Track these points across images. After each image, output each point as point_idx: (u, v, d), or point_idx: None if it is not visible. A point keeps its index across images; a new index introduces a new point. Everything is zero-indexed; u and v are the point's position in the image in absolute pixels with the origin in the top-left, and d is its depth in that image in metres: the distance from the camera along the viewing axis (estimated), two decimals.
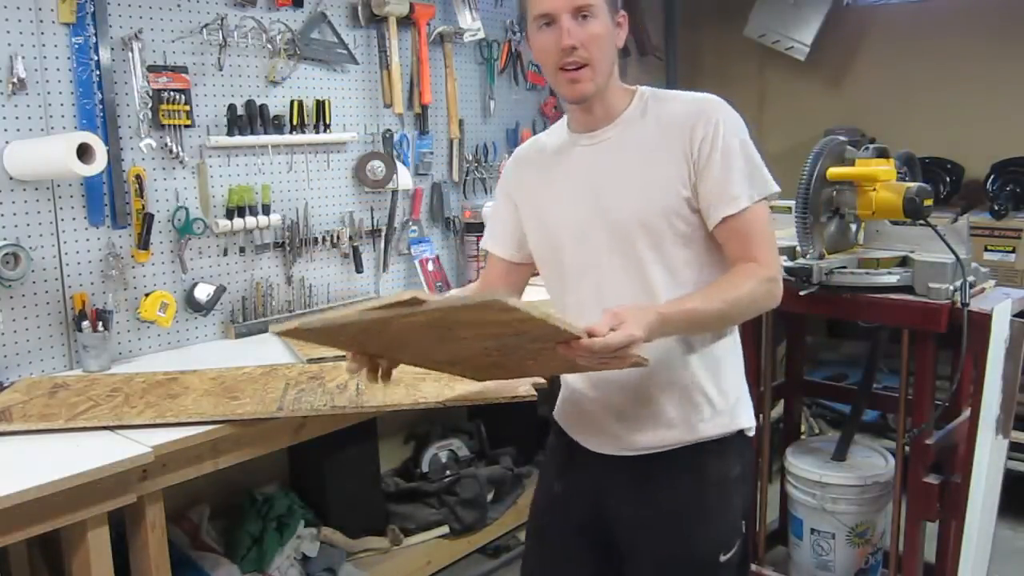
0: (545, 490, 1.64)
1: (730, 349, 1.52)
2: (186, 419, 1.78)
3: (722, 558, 1.48)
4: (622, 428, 1.49)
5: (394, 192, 2.95)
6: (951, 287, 1.99)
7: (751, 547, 1.52)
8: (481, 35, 3.15)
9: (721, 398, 1.48)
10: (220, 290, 2.48)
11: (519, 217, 1.58)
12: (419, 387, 2.00)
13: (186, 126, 2.37)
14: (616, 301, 1.35)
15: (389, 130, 2.94)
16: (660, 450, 1.47)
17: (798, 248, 2.18)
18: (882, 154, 2.12)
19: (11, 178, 2.06)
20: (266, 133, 2.57)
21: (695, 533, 1.49)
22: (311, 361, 2.20)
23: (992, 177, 3.25)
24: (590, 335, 1.19)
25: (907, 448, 2.14)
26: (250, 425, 1.82)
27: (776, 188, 1.43)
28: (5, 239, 2.05)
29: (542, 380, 1.99)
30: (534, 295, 1.62)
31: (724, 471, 1.50)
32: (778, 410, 2.79)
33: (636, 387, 1.46)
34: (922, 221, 2.01)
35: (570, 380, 1.57)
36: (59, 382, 2.05)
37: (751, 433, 1.54)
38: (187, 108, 2.35)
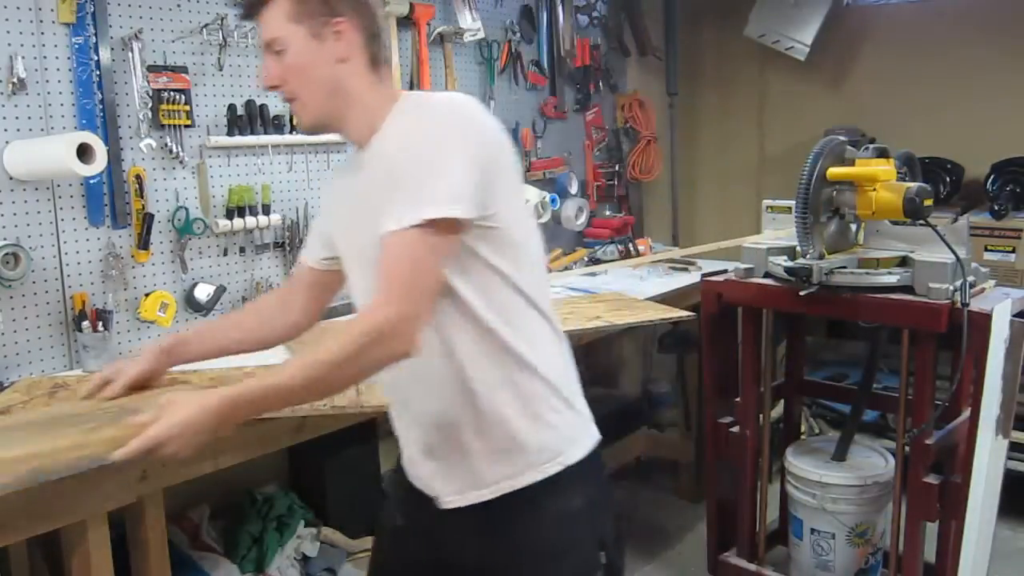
0: (388, 519, 1.54)
1: (524, 390, 1.31)
2: None
3: None
4: (433, 477, 1.38)
5: None
6: (951, 287, 1.99)
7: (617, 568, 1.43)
8: (481, 35, 3.15)
9: (523, 444, 1.31)
10: (220, 290, 2.48)
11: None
12: None
13: (186, 126, 2.37)
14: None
15: None
16: (476, 502, 1.33)
17: (798, 248, 2.18)
18: (882, 154, 2.12)
19: (11, 178, 2.06)
20: (266, 133, 2.57)
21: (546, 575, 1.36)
22: None
23: (992, 177, 3.25)
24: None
25: (907, 448, 2.14)
26: (250, 425, 1.82)
27: (439, 212, 1.17)
28: (5, 239, 2.05)
29: None
30: None
31: (561, 512, 1.33)
32: (778, 410, 2.79)
33: (430, 440, 1.36)
34: (922, 221, 2.01)
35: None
36: (59, 382, 2.05)
37: (579, 458, 1.34)
38: (187, 108, 2.35)
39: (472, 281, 1.27)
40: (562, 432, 1.34)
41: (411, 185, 1.20)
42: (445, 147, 1.22)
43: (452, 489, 1.35)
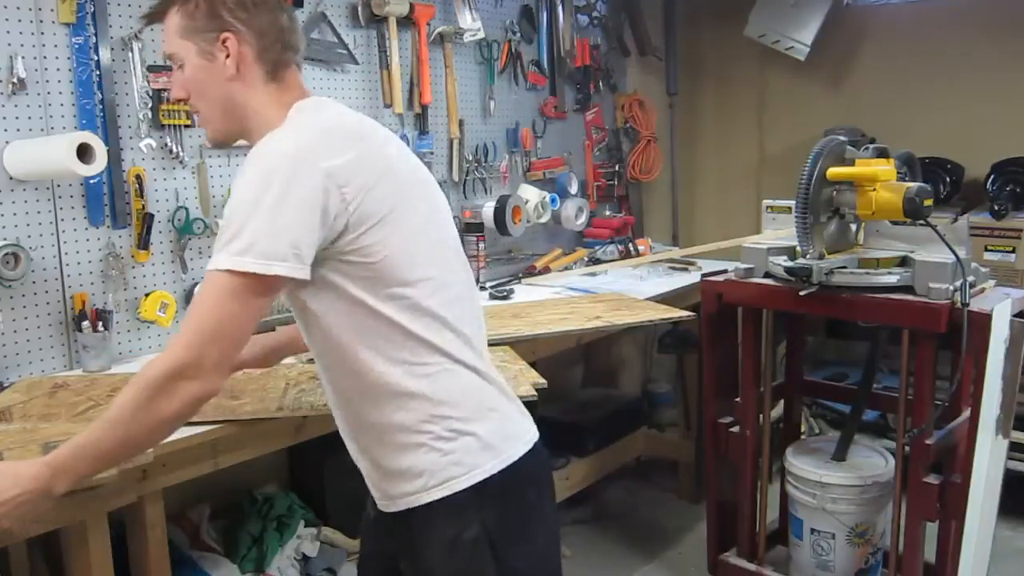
0: (367, 508, 1.53)
1: (405, 418, 1.28)
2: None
3: None
4: (366, 479, 1.41)
5: None
6: (951, 287, 1.99)
7: None
8: (481, 35, 3.15)
9: (408, 468, 1.30)
10: None
11: None
12: None
13: (186, 126, 2.37)
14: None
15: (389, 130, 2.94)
16: (400, 515, 1.34)
17: (798, 248, 2.18)
18: (882, 154, 2.12)
19: (11, 178, 2.06)
20: None
21: None
22: (310, 361, 2.19)
23: (992, 177, 3.25)
24: None
25: (907, 448, 2.14)
26: (250, 425, 1.82)
27: (243, 267, 1.13)
28: (5, 239, 2.05)
29: (542, 380, 2.00)
30: None
31: (450, 537, 1.30)
32: (778, 410, 2.79)
33: (350, 448, 1.40)
34: (922, 221, 2.01)
35: None
36: (59, 382, 2.05)
37: (470, 484, 1.29)
38: (187, 108, 2.35)
39: (330, 314, 1.25)
40: (452, 457, 1.29)
41: (225, 229, 1.18)
42: (262, 195, 1.16)
43: (377, 495, 1.40)
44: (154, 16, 1.37)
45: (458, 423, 1.30)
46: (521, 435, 1.38)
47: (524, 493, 1.35)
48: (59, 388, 2.00)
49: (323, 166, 1.18)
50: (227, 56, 1.30)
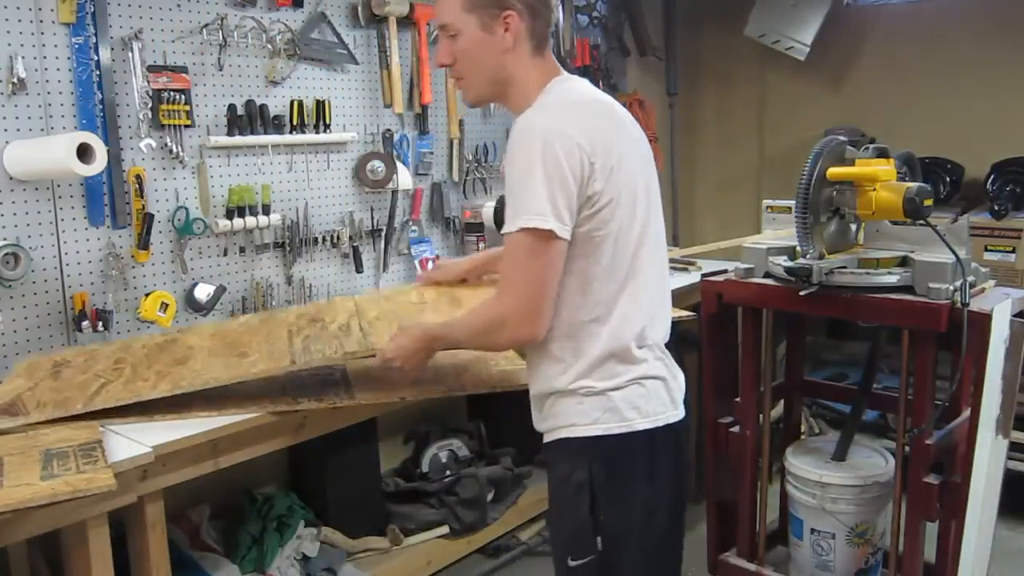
0: None
1: (559, 359, 1.49)
2: (202, 386, 1.80)
3: (571, 562, 1.50)
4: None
5: (394, 192, 2.95)
6: (951, 287, 1.99)
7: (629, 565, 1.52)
8: None
9: (550, 403, 1.52)
10: (220, 290, 2.48)
11: None
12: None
13: (186, 126, 2.37)
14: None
15: (389, 130, 2.94)
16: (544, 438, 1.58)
17: (798, 248, 2.18)
18: (882, 154, 2.12)
19: (11, 178, 2.06)
20: (266, 133, 2.57)
21: (550, 528, 1.67)
22: None
23: (992, 177, 3.25)
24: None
25: (907, 448, 2.14)
26: (250, 425, 1.82)
27: (534, 226, 1.37)
28: (5, 239, 2.05)
29: None
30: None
31: (565, 473, 1.50)
32: (778, 410, 2.79)
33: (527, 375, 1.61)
34: (922, 221, 2.01)
35: None
36: (58, 359, 2.02)
37: (590, 434, 1.48)
38: (187, 108, 2.35)
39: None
40: (582, 408, 1.48)
41: (512, 198, 1.42)
42: (532, 168, 1.38)
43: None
44: None
45: (601, 381, 1.49)
46: (651, 411, 1.50)
47: (634, 461, 1.49)
48: (60, 367, 1.97)
49: (578, 139, 1.39)
50: (506, 30, 1.47)
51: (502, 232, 1.43)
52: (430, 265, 3.06)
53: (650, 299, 1.52)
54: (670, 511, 1.56)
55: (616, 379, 1.47)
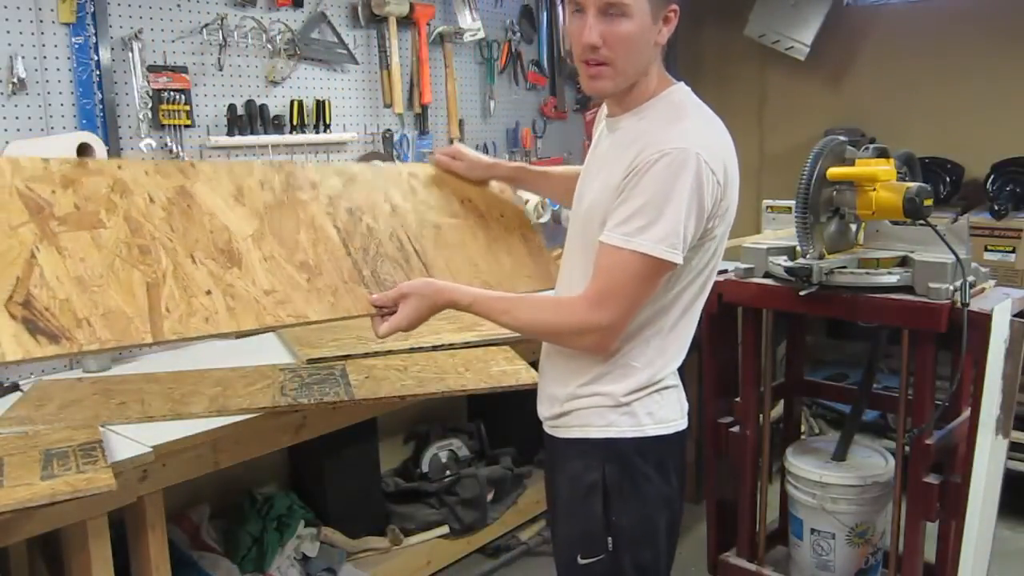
0: None
1: (589, 355, 1.45)
2: (294, 322, 1.49)
3: (580, 560, 1.49)
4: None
5: None
6: (951, 287, 1.99)
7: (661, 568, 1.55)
8: (481, 35, 3.15)
9: (569, 402, 1.49)
10: None
11: None
12: (421, 376, 2.02)
13: (186, 126, 2.37)
14: (565, 278, 1.54)
15: (389, 130, 2.94)
16: (550, 433, 1.56)
17: (798, 248, 2.18)
18: (882, 154, 2.12)
19: None
20: (266, 133, 2.57)
21: (558, 525, 1.59)
22: (310, 362, 2.20)
23: (992, 177, 3.25)
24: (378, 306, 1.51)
25: (907, 448, 2.14)
26: (250, 425, 1.82)
27: (660, 256, 1.32)
28: None
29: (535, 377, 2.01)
30: None
31: (578, 472, 1.49)
32: (778, 410, 2.79)
33: (543, 364, 1.58)
34: (922, 221, 2.01)
35: None
36: (71, 384, 2.03)
37: (602, 436, 1.47)
38: (187, 108, 2.35)
39: None
40: (599, 410, 1.47)
41: (646, 216, 1.32)
42: (680, 191, 1.32)
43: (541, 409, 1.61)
44: None
45: (626, 394, 1.47)
46: (664, 418, 1.49)
47: (646, 465, 1.48)
48: (74, 391, 1.97)
49: (718, 175, 1.35)
50: (665, 24, 1.40)
51: (615, 239, 1.34)
52: None
53: (695, 320, 1.54)
54: (674, 514, 1.58)
55: (648, 385, 1.48)
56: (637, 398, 1.47)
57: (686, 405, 1.57)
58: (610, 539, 1.47)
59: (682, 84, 1.48)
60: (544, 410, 1.57)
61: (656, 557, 1.53)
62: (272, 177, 1.62)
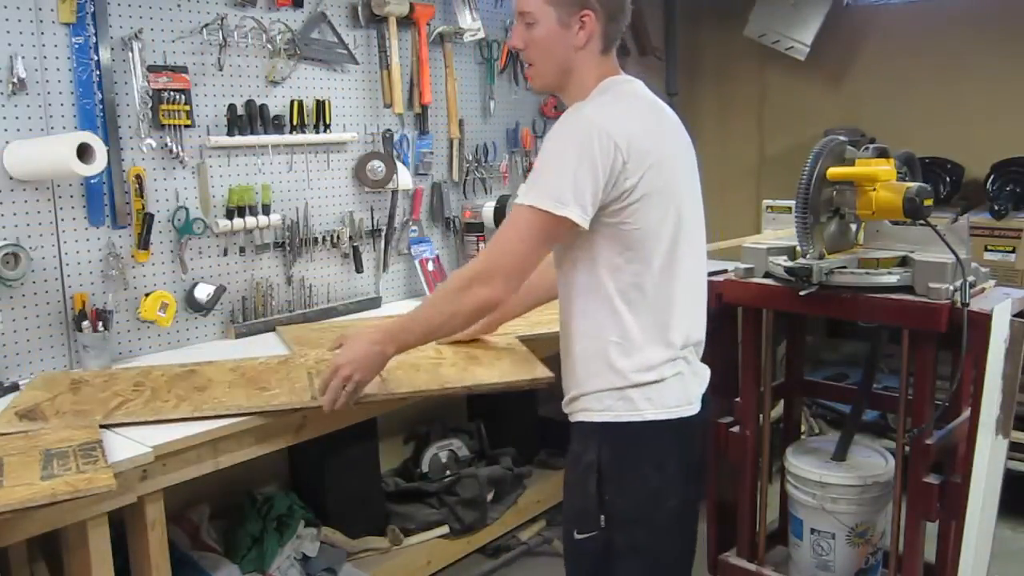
0: None
1: (594, 341, 1.55)
2: (224, 411, 1.80)
3: (576, 535, 1.58)
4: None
5: (394, 192, 2.95)
6: (951, 287, 1.99)
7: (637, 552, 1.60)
8: (481, 35, 3.15)
9: (576, 389, 1.60)
10: (220, 290, 2.48)
11: None
12: (440, 371, 2.02)
13: (186, 126, 2.37)
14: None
15: (389, 130, 2.94)
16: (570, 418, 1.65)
17: (798, 248, 2.18)
18: (882, 154, 2.12)
19: (11, 178, 2.06)
20: (266, 133, 2.57)
21: (564, 501, 1.67)
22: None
23: (992, 177, 3.25)
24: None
25: (907, 448, 2.14)
26: (250, 424, 1.82)
27: (545, 208, 1.44)
28: (5, 239, 2.05)
29: (551, 374, 2.01)
30: None
31: (578, 452, 1.59)
32: (778, 410, 2.79)
33: (561, 361, 1.67)
34: (922, 221, 2.01)
35: None
36: (76, 378, 2.04)
37: (602, 420, 1.56)
38: (187, 108, 2.35)
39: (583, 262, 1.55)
40: (598, 395, 1.56)
41: (535, 173, 1.49)
42: (567, 152, 1.45)
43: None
44: None
45: (628, 378, 1.55)
46: (664, 404, 1.55)
47: (641, 449, 1.55)
48: (79, 384, 1.99)
49: (616, 138, 1.44)
50: (580, 28, 1.53)
51: (515, 202, 1.50)
52: (430, 266, 3.07)
53: (683, 298, 1.58)
54: (682, 500, 1.61)
55: (635, 375, 1.53)
56: (636, 383, 1.53)
57: (697, 391, 1.61)
58: (602, 517, 1.54)
59: (622, 76, 1.61)
60: (564, 402, 1.66)
61: (655, 540, 1.58)
62: (274, 360, 2.12)
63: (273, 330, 2.59)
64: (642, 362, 1.53)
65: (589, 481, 1.54)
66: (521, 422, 3.18)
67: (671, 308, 1.56)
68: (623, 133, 1.45)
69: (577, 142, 1.44)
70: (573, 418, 1.62)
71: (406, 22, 2.93)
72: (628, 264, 1.51)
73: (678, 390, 1.56)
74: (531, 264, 1.50)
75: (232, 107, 2.49)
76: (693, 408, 1.59)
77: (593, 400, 1.56)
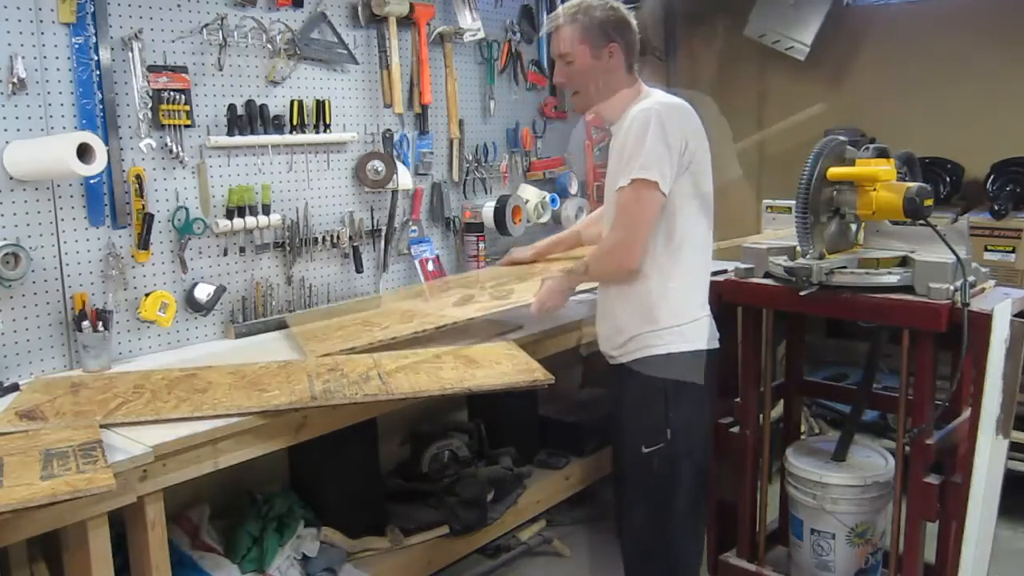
0: None
1: (647, 293, 2.00)
2: (224, 411, 1.81)
3: (644, 450, 2.01)
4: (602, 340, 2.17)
5: (394, 192, 2.95)
6: (951, 287, 1.99)
7: (693, 464, 2.06)
8: (481, 35, 3.15)
9: (629, 332, 2.03)
10: (220, 290, 2.48)
11: None
12: (440, 374, 2.03)
13: (186, 126, 2.37)
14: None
15: (389, 130, 2.94)
16: (614, 362, 2.11)
17: (798, 248, 2.18)
18: (882, 154, 2.12)
19: (11, 178, 2.06)
20: (266, 133, 2.57)
21: (623, 426, 2.10)
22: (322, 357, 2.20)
23: (992, 177, 3.25)
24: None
25: (907, 448, 2.14)
26: (250, 425, 1.82)
27: (643, 176, 1.88)
28: (5, 239, 2.05)
29: (551, 377, 2.02)
30: None
31: (644, 382, 2.02)
32: (778, 410, 2.79)
33: (602, 311, 2.14)
34: (922, 221, 2.01)
35: None
36: (75, 380, 2.04)
37: (662, 352, 2.00)
38: (187, 108, 2.35)
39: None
40: (658, 333, 2.01)
41: (631, 157, 1.92)
42: (651, 137, 1.90)
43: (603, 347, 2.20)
44: (559, 27, 2.05)
45: (666, 316, 2.02)
46: (698, 339, 2.04)
47: (694, 373, 2.02)
48: (78, 386, 1.99)
49: (681, 125, 1.95)
50: (610, 57, 2.03)
51: (617, 187, 1.93)
52: (430, 266, 3.07)
53: (707, 260, 2.10)
54: (710, 411, 2.15)
55: (685, 316, 2.02)
56: (678, 323, 2.00)
57: (716, 333, 2.09)
58: (669, 431, 1.99)
59: (650, 89, 2.09)
60: (606, 345, 2.12)
61: (700, 444, 2.09)
62: (274, 364, 2.16)
63: (274, 330, 2.59)
64: (688, 308, 2.02)
65: (657, 402, 1.98)
66: (521, 422, 3.17)
67: (706, 268, 2.09)
68: (684, 115, 1.96)
69: (653, 127, 1.88)
70: (632, 356, 2.03)
71: (406, 22, 2.93)
72: (686, 229, 1.99)
73: (709, 329, 2.06)
74: (646, 228, 1.94)
75: (232, 107, 2.49)
76: (715, 343, 2.07)
77: (654, 337, 2.00)
